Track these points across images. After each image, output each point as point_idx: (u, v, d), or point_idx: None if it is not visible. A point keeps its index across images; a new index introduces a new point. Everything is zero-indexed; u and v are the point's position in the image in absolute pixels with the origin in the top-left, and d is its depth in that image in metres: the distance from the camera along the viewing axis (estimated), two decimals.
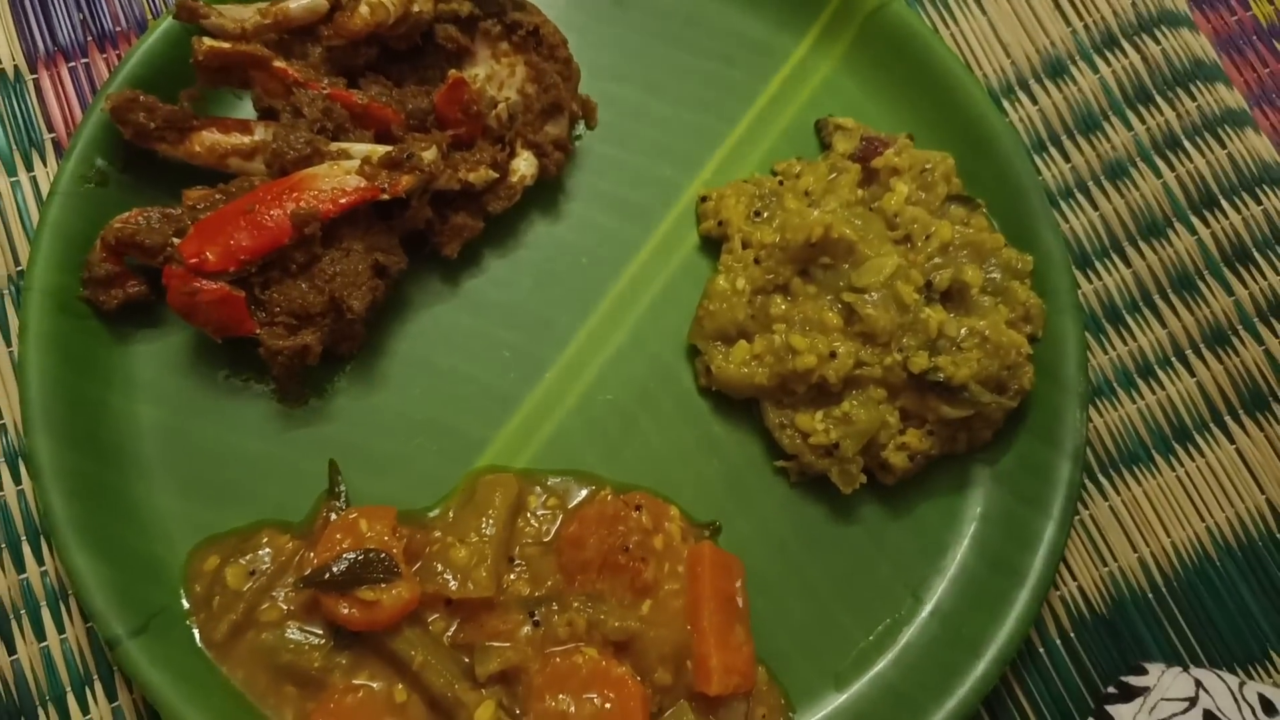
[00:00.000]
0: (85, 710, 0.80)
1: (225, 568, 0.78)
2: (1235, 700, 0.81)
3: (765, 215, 0.88)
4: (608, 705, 0.74)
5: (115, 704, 0.80)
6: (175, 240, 0.78)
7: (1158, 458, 0.93)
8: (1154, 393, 0.94)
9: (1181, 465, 0.93)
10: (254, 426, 0.83)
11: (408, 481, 0.82)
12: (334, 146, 0.81)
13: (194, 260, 0.76)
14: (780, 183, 0.90)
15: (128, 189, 0.85)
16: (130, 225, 0.80)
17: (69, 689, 0.80)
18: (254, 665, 0.76)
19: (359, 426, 0.84)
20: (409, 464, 0.83)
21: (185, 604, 0.77)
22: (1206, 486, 0.92)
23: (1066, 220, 0.97)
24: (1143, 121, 1.00)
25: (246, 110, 0.87)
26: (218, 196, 0.81)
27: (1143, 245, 0.97)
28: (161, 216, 0.80)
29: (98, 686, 0.80)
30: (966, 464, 0.87)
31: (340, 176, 0.80)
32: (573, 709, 0.74)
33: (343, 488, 0.81)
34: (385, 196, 0.80)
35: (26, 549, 0.83)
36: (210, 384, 0.83)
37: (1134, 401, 0.94)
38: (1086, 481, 0.91)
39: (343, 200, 0.79)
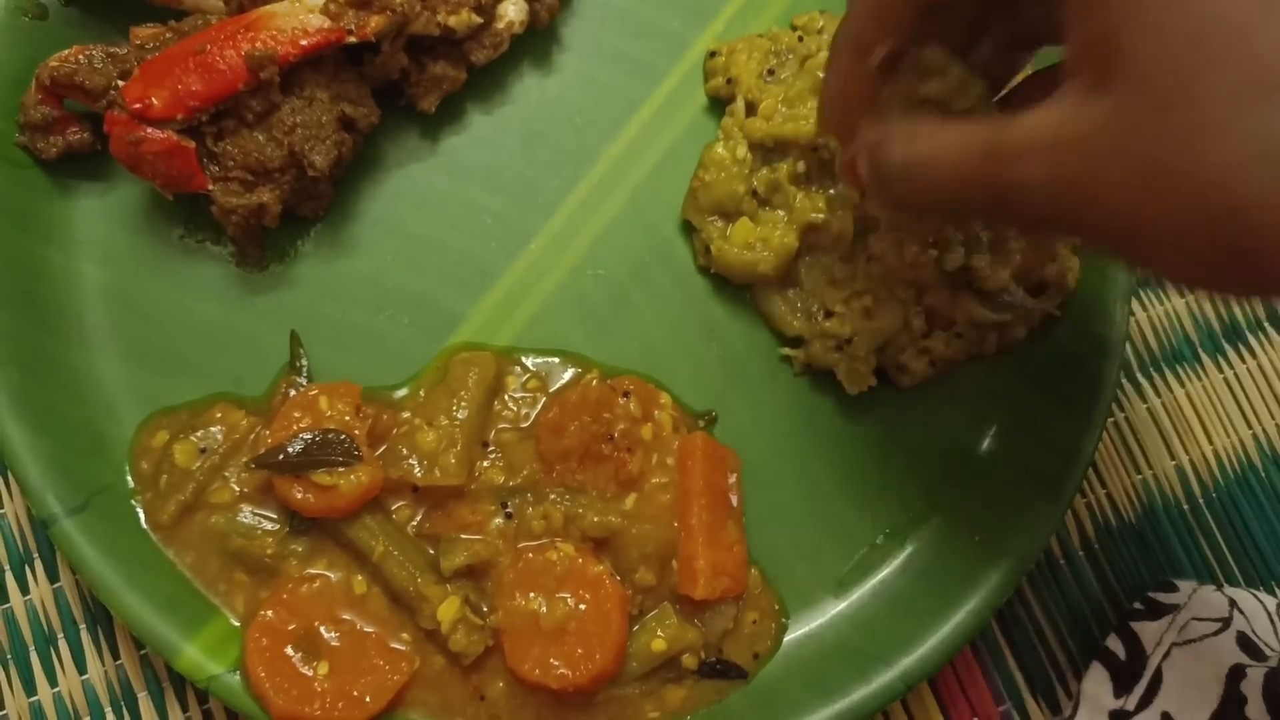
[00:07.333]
0: (25, 591, 0.74)
1: (174, 444, 0.72)
2: (1272, 622, 0.74)
3: (779, 75, 0.79)
4: (582, 606, 0.69)
5: (57, 585, 0.74)
6: (120, 83, 0.71)
7: (1204, 357, 0.85)
8: None
9: (1230, 366, 0.84)
10: (210, 291, 0.76)
11: (376, 357, 0.75)
12: None
13: (137, 105, 0.69)
14: (800, 39, 0.80)
15: (72, 24, 0.77)
16: (68, 64, 0.72)
17: (7, 568, 0.75)
18: (203, 549, 0.71)
19: (324, 295, 0.77)
20: (378, 338, 0.76)
21: (130, 482, 0.72)
22: (1257, 390, 0.84)
23: None
24: None
25: None
26: (168, 35, 0.74)
27: None
28: (105, 55, 0.73)
29: (38, 566, 0.75)
30: (993, 359, 0.78)
31: (302, 15, 0.72)
32: (544, 609, 0.69)
33: (304, 361, 0.75)
34: (352, 39, 0.72)
35: None
36: (162, 244, 0.76)
37: (1182, 294, 0.85)
38: (1124, 381, 0.83)
39: (304, 42, 0.71)
